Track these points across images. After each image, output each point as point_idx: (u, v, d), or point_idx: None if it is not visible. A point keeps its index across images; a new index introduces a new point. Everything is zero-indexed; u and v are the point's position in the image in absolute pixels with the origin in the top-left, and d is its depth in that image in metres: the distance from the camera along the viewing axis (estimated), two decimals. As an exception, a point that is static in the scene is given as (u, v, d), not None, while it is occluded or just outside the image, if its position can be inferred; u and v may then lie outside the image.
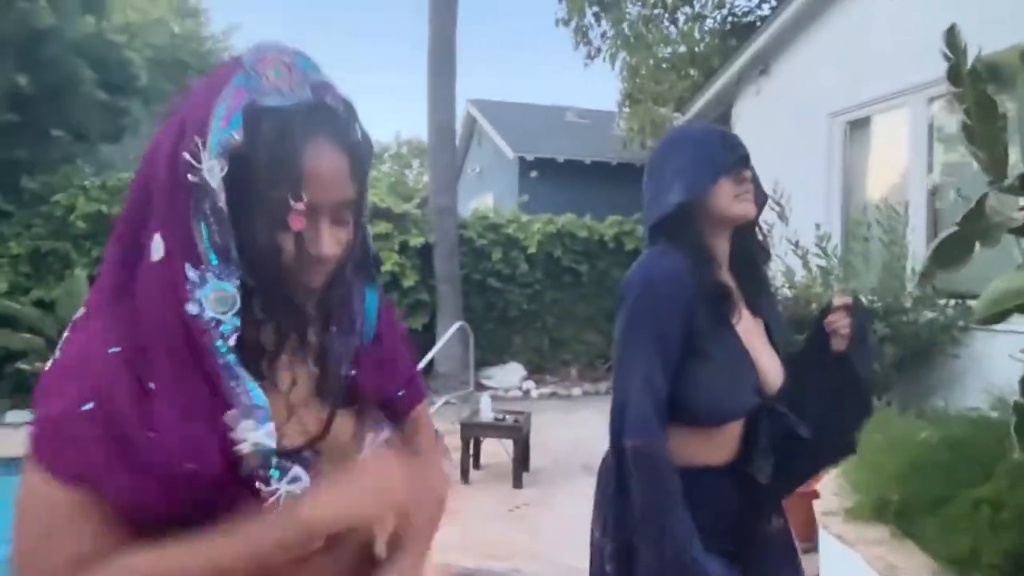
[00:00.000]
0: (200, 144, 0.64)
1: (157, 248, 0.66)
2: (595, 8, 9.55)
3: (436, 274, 7.63)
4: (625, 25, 8.87)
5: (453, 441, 4.90)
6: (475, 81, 59.48)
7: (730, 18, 8.80)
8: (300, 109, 0.66)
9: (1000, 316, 2.89)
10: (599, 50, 9.78)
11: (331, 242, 0.70)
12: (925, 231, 4.31)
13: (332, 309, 0.77)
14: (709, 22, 8.96)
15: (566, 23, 9.84)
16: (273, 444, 0.66)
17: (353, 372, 0.77)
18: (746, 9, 8.97)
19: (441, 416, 5.57)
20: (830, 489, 2.97)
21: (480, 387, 7.32)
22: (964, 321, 3.89)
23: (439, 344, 6.21)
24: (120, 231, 0.70)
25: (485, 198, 13.98)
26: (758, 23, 8.61)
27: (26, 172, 7.00)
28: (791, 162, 5.29)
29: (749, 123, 6.21)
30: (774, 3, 8.54)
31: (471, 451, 4.52)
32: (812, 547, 3.33)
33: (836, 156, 5.21)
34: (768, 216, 4.30)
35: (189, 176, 0.64)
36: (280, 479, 0.68)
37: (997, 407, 3.03)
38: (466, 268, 7.95)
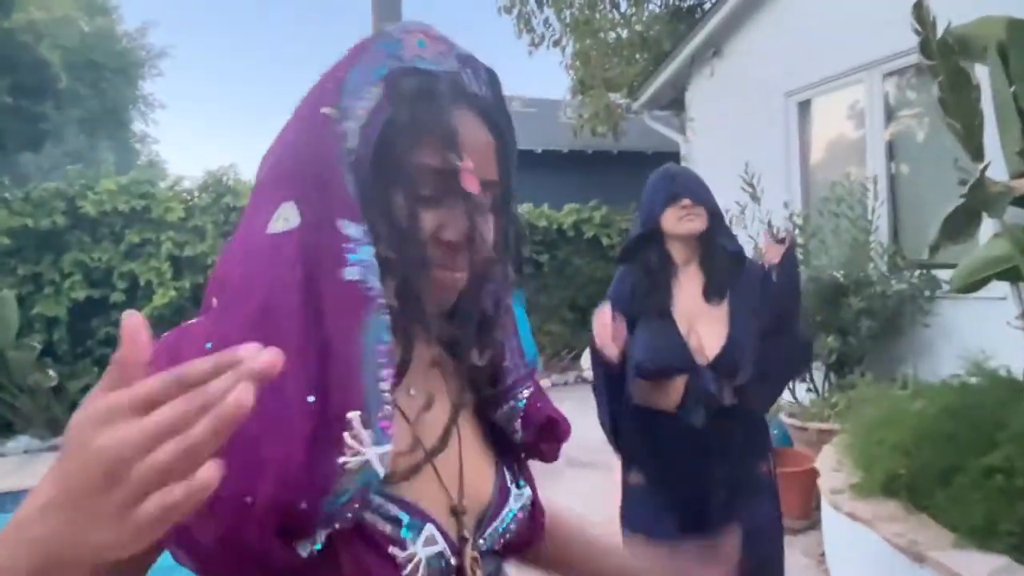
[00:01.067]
0: (336, 99, 0.56)
1: (286, 218, 0.54)
2: (537, -6, 9.43)
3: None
4: (570, 12, 8.79)
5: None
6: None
7: (673, 1, 8.84)
8: (446, 74, 0.59)
9: (979, 284, 2.92)
10: (543, 37, 9.68)
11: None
12: (888, 205, 4.41)
13: (477, 330, 0.63)
14: (651, 7, 8.98)
15: (508, 11, 9.68)
16: (381, 472, 0.51)
17: (521, 410, 0.66)
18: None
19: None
20: (829, 465, 2.98)
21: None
22: (930, 291, 4.01)
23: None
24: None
25: (432, 192, 13.70)
26: (698, 9, 8.70)
27: (-65, 186, 6.39)
28: (751, 142, 5.34)
29: (704, 106, 6.24)
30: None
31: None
32: (810, 525, 3.36)
33: (793, 134, 5.28)
34: (741, 197, 4.30)
35: (329, 128, 0.55)
36: (415, 541, 0.55)
37: (975, 373, 3.11)
38: (424, 265, 7.75)
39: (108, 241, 6.36)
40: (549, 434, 0.68)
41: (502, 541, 0.64)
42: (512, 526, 0.64)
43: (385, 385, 0.51)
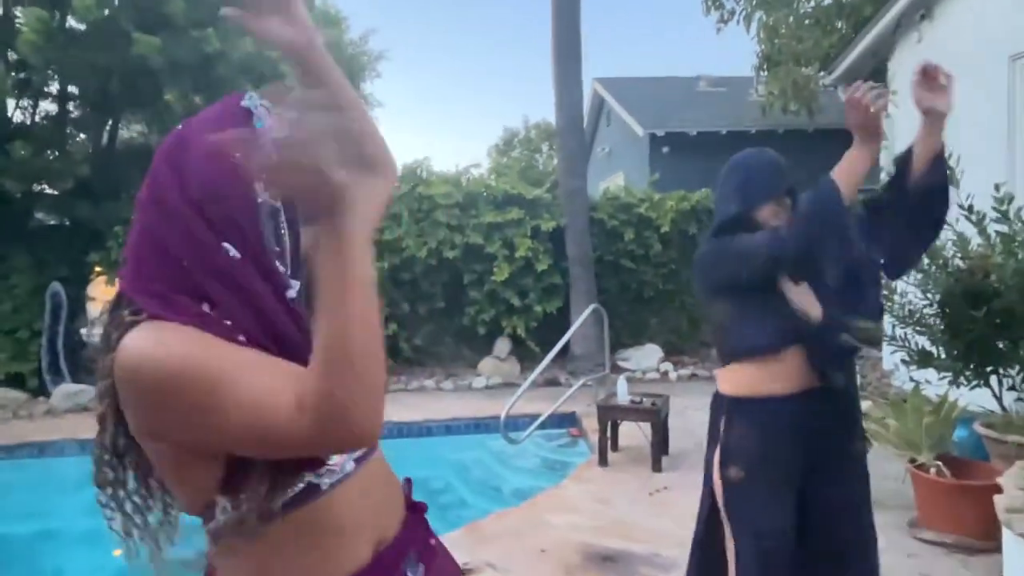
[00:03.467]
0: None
1: (231, 252, 0.76)
2: (727, -32, 9.00)
3: (568, 257, 7.66)
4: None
5: (591, 423, 4.93)
6: (602, 58, 58.24)
7: (884, -40, 7.90)
8: None
9: None
10: (732, 12, 9.23)
11: None
12: None
13: None
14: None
15: (696, -12, 9.37)
16: None
17: None
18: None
19: (577, 399, 5.61)
20: (1014, 482, 2.64)
21: (617, 369, 7.28)
22: None
23: (574, 327, 6.25)
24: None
25: (616, 177, 13.75)
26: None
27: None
28: (963, 116, 4.67)
29: (909, 77, 5.57)
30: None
31: (608, 433, 4.52)
32: (992, 547, 2.99)
33: (1020, 105, 4.54)
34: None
35: (260, 198, 0.78)
36: None
37: None
38: (598, 250, 7.90)
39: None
40: None
41: None
42: None
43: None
